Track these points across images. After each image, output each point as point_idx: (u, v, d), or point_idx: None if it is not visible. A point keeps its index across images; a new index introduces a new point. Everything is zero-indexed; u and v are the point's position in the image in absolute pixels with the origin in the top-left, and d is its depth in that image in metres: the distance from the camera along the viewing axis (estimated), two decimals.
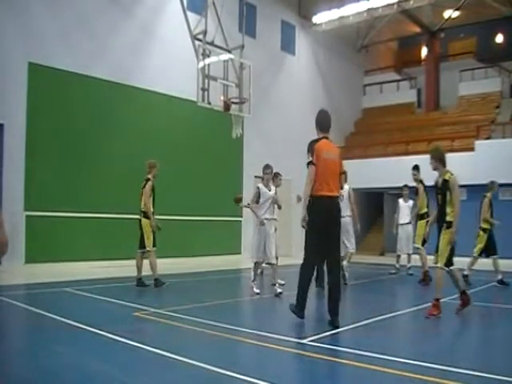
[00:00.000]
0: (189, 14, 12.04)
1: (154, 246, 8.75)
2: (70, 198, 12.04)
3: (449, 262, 6.19)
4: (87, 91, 12.60)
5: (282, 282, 8.46)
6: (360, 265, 11.77)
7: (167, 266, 11.37)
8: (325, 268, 6.20)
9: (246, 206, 9.20)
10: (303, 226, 5.53)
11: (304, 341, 4.91)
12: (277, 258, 8.34)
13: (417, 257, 10.46)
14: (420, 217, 10.04)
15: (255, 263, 8.07)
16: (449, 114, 21.26)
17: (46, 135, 11.84)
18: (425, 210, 9.96)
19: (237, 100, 11.68)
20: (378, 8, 18.76)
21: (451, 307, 7.44)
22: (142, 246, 8.72)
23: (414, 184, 10.22)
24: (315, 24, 19.83)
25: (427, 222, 8.76)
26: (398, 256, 11.63)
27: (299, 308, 5.69)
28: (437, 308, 6.19)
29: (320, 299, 8.45)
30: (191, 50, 11.49)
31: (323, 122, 5.86)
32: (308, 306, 5.86)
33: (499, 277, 9.35)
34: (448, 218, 6.22)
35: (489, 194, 9.62)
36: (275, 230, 8.27)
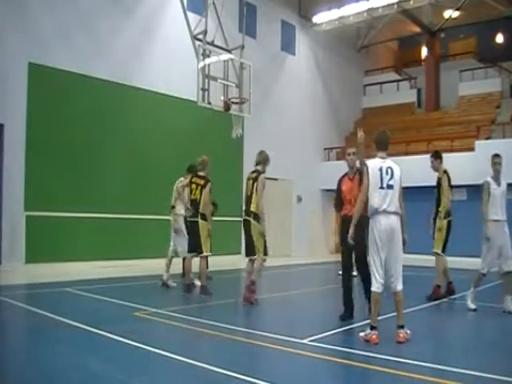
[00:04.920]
0: (189, 14, 12.04)
1: (210, 250, 7.86)
2: (71, 198, 12.03)
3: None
4: (87, 91, 12.59)
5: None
6: None
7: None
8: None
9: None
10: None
11: (304, 341, 4.91)
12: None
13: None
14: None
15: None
16: (449, 114, 21.23)
17: (46, 135, 11.83)
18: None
19: (237, 100, 11.67)
20: (378, 8, 18.74)
21: (451, 307, 7.45)
22: (195, 249, 7.86)
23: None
24: (315, 24, 19.83)
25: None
26: None
27: None
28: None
29: (320, 301, 8.46)
30: (191, 50, 11.48)
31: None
32: (308, 306, 5.85)
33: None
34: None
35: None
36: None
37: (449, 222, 7.76)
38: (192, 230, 7.93)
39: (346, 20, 19.49)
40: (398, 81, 24.24)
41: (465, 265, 12.96)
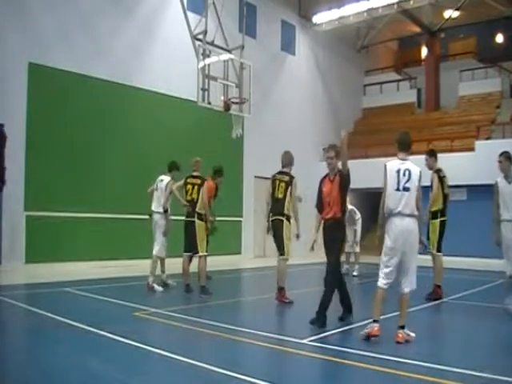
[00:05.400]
0: (189, 14, 12.03)
1: (206, 250, 8.01)
2: (71, 198, 12.03)
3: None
4: (87, 91, 12.58)
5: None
6: (360, 264, 11.78)
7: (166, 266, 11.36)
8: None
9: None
10: None
11: (304, 341, 4.91)
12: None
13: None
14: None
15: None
16: (449, 114, 21.22)
17: (46, 135, 11.82)
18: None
19: (237, 100, 11.66)
20: (378, 8, 18.72)
21: (451, 307, 7.45)
22: (190, 249, 7.98)
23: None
24: (315, 24, 19.81)
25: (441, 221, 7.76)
26: None
27: None
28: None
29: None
30: (191, 50, 11.48)
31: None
32: (308, 306, 5.85)
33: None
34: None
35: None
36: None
37: (442, 222, 7.78)
38: (188, 229, 7.93)
39: (346, 20, 19.47)
40: (398, 81, 24.24)
41: (464, 265, 13.00)
